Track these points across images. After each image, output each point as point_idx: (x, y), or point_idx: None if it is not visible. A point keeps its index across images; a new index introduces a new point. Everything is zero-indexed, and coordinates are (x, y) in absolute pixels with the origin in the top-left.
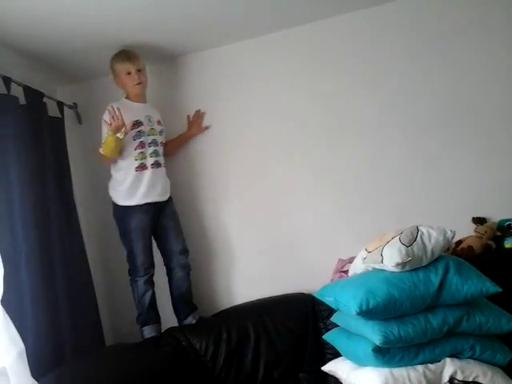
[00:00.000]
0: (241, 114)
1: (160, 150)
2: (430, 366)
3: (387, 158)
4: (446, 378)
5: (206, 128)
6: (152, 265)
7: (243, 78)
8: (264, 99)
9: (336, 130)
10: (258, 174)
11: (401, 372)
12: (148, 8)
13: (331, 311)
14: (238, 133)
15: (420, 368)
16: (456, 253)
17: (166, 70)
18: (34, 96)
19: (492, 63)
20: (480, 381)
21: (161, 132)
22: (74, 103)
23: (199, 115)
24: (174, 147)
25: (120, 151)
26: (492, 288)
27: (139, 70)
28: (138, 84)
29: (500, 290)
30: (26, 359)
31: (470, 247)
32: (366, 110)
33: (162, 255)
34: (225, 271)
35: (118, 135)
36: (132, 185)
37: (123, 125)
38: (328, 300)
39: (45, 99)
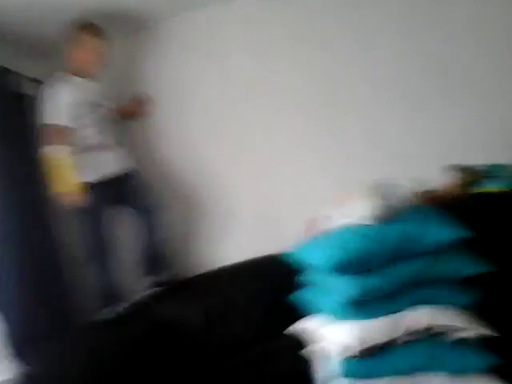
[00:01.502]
0: (218, 80)
1: (110, 125)
2: (404, 314)
3: (365, 111)
4: (419, 324)
5: (150, 112)
6: (109, 245)
7: (212, 48)
8: (244, 63)
9: (318, 89)
10: (236, 138)
11: (375, 323)
12: None
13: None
14: (216, 97)
15: (394, 317)
16: (433, 200)
17: (128, 42)
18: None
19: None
20: (452, 324)
21: (111, 108)
22: (36, 78)
23: (144, 100)
24: (122, 115)
25: None
26: (461, 233)
27: (102, 49)
28: (96, 62)
29: (469, 234)
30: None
31: (446, 194)
32: (357, 80)
33: (133, 211)
34: (202, 234)
35: None
36: (93, 162)
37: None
38: (301, 258)
39: (12, 75)
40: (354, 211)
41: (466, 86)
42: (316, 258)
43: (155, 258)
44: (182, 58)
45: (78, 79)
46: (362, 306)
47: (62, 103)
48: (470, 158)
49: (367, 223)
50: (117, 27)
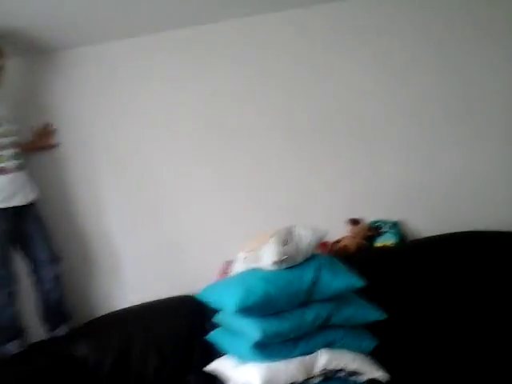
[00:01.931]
0: (114, 116)
1: (19, 150)
2: (306, 357)
3: (271, 159)
4: (318, 367)
5: (55, 146)
6: (13, 277)
7: (116, 79)
8: (140, 99)
9: (224, 132)
10: (139, 174)
11: (279, 365)
12: None
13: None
14: (112, 135)
15: (297, 360)
16: (333, 251)
17: (32, 64)
18: None
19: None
20: (348, 367)
21: (12, 132)
22: None
23: (48, 131)
24: (27, 150)
25: None
26: (358, 282)
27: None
28: None
29: (364, 284)
30: None
31: (345, 246)
32: (249, 111)
33: (29, 264)
34: (104, 275)
35: None
36: None
37: None
38: (209, 300)
39: None
40: (260, 256)
41: (368, 136)
42: (222, 300)
43: (57, 310)
44: (83, 87)
45: None
46: (266, 349)
47: None
48: (370, 212)
49: (272, 268)
50: (18, 48)
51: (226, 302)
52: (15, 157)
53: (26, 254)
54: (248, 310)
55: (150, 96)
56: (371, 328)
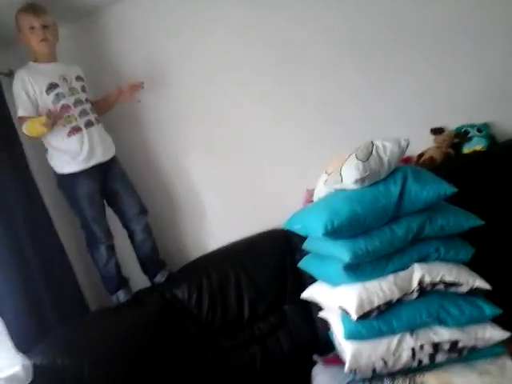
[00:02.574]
0: (183, 57)
1: (88, 107)
2: (400, 273)
3: (341, 79)
4: (415, 282)
5: (138, 101)
6: (109, 231)
7: (181, 25)
8: (208, 43)
9: (290, 60)
10: (215, 117)
11: (373, 284)
12: None
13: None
14: (186, 76)
15: (391, 277)
16: (418, 164)
17: (91, 25)
18: None
19: None
20: (446, 279)
21: (83, 88)
22: (11, 70)
23: (136, 86)
24: (102, 108)
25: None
26: (449, 189)
27: (45, 26)
28: (42, 41)
29: (456, 189)
30: (6, 333)
31: (431, 158)
32: (313, 36)
33: (120, 219)
34: (192, 220)
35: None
36: (70, 151)
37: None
38: (296, 228)
39: None
40: (341, 176)
41: (444, 43)
42: (309, 226)
43: (153, 259)
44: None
45: (36, 65)
46: (358, 269)
47: (24, 93)
48: (452, 118)
49: (355, 187)
50: (65, 13)
51: (313, 228)
52: (86, 112)
53: (114, 210)
54: (335, 232)
55: (217, 28)
56: (466, 238)
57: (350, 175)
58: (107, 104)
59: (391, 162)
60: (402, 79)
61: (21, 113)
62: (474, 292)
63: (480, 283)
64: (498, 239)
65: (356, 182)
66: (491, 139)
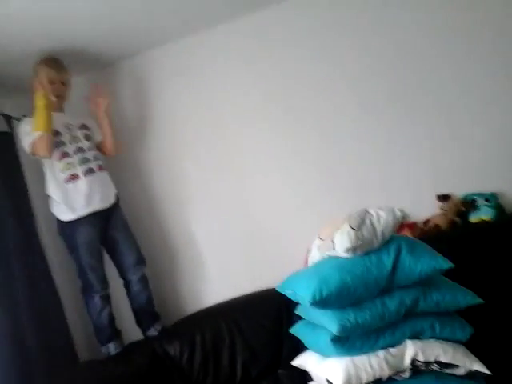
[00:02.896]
0: (192, 109)
1: (91, 154)
2: (391, 349)
3: (347, 139)
4: (407, 360)
5: (103, 101)
6: (105, 280)
7: (190, 73)
8: (218, 91)
9: (297, 115)
10: (218, 168)
11: (362, 359)
12: (77, 14)
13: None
14: (192, 127)
15: (381, 353)
16: (423, 232)
17: (106, 76)
18: None
19: (442, 38)
20: (441, 360)
21: (87, 137)
22: (24, 115)
23: (93, 90)
24: (107, 141)
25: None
26: (445, 264)
27: (63, 83)
28: (57, 97)
29: (452, 265)
30: None
31: (436, 225)
32: (323, 92)
33: (117, 268)
34: (190, 273)
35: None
36: (68, 198)
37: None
38: (288, 293)
39: None
40: (333, 243)
41: (457, 108)
42: (298, 293)
43: (147, 311)
44: (156, 89)
45: None
46: (347, 342)
47: (28, 131)
48: (460, 185)
49: (346, 255)
50: (85, 64)
51: (302, 295)
52: (88, 160)
53: (112, 258)
54: (323, 302)
55: (226, 83)
56: (466, 315)
57: (341, 243)
58: (105, 133)
59: (385, 232)
60: (410, 142)
61: (28, 140)
62: (473, 375)
63: (478, 367)
64: (504, 316)
65: (347, 250)
66: (499, 209)
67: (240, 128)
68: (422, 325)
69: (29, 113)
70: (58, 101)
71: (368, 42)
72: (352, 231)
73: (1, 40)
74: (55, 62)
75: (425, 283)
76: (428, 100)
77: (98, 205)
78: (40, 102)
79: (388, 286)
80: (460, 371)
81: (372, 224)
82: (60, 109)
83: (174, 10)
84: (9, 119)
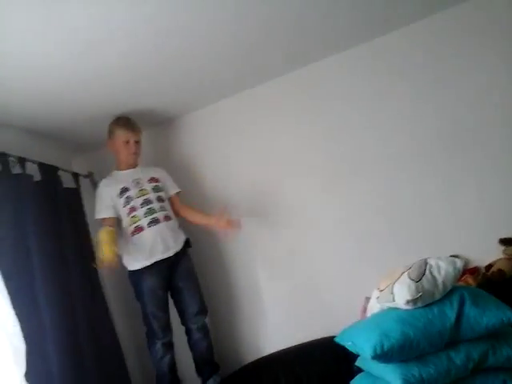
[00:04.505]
0: (247, 162)
1: (157, 205)
2: None
3: (404, 184)
4: None
5: (237, 227)
6: (169, 327)
7: (242, 131)
8: (268, 147)
9: (351, 164)
10: (275, 221)
11: None
12: (143, 76)
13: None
14: (245, 181)
15: None
16: (486, 277)
17: (168, 130)
18: (48, 171)
19: (489, 84)
20: None
21: (155, 188)
22: (90, 172)
23: (233, 223)
24: (193, 220)
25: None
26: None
27: (137, 142)
28: (133, 154)
29: None
30: None
31: (500, 270)
32: (375, 144)
33: (179, 315)
34: (249, 322)
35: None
36: (135, 249)
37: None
38: (347, 344)
39: (60, 172)
40: (393, 295)
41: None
42: (358, 345)
43: (206, 360)
44: (205, 146)
45: (117, 172)
46: None
47: (102, 197)
48: None
49: (407, 307)
50: (147, 121)
51: (362, 348)
52: (154, 211)
53: (175, 305)
54: (385, 355)
55: (274, 139)
56: None
57: (401, 295)
58: (199, 220)
59: (446, 283)
60: (470, 186)
61: (96, 216)
62: None
63: None
64: None
65: (408, 302)
66: None
67: (295, 182)
68: (494, 381)
69: (94, 168)
70: (134, 158)
71: (422, 89)
72: (412, 282)
73: (68, 102)
74: (129, 123)
75: (493, 336)
76: (481, 143)
77: (161, 254)
78: (102, 236)
79: (453, 339)
80: None
81: (432, 275)
82: (132, 165)
83: (228, 67)
84: (76, 176)
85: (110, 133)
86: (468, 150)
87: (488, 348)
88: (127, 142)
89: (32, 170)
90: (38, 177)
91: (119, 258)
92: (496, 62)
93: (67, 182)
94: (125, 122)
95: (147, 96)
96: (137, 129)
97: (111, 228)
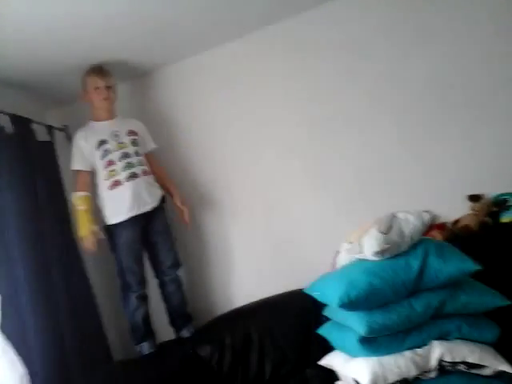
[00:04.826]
0: (228, 117)
1: (136, 160)
2: (418, 350)
3: (378, 144)
4: (434, 361)
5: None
6: (143, 280)
7: (225, 82)
8: (250, 100)
9: (329, 123)
10: (251, 174)
11: (389, 360)
12: (120, 25)
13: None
14: (225, 136)
15: (408, 354)
16: (453, 232)
17: (146, 83)
18: (21, 123)
19: (473, 39)
20: (468, 360)
21: (134, 142)
22: (65, 125)
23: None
24: (162, 184)
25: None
26: (471, 266)
27: (108, 87)
28: (105, 99)
29: (480, 267)
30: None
31: (466, 226)
32: (355, 100)
33: (152, 268)
34: (221, 275)
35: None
36: (112, 203)
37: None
38: (315, 294)
39: (33, 125)
40: (361, 247)
41: (485, 110)
42: (326, 295)
43: (180, 312)
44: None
45: (94, 123)
46: (374, 343)
47: (78, 149)
48: (492, 186)
49: (374, 259)
50: (124, 74)
51: (330, 297)
52: (132, 165)
53: (150, 259)
54: (352, 304)
55: (254, 94)
56: (494, 316)
57: (369, 247)
58: (166, 189)
59: (413, 236)
60: (441, 143)
61: (73, 166)
62: (500, 375)
63: (505, 367)
64: None
65: (375, 254)
66: None
67: (274, 134)
68: (449, 326)
69: (69, 121)
70: (106, 104)
71: (391, 55)
72: (380, 235)
73: (44, 53)
74: (98, 68)
75: (452, 285)
76: (459, 101)
77: (139, 209)
78: (78, 205)
79: (415, 288)
80: (487, 372)
81: (400, 228)
82: (112, 114)
83: (213, 19)
84: (50, 129)
85: (83, 83)
86: (442, 106)
87: (447, 296)
88: (97, 88)
89: (4, 121)
90: (10, 129)
91: (98, 233)
92: (480, 13)
93: (41, 135)
94: (94, 68)
95: (123, 47)
96: (106, 74)
97: (86, 194)
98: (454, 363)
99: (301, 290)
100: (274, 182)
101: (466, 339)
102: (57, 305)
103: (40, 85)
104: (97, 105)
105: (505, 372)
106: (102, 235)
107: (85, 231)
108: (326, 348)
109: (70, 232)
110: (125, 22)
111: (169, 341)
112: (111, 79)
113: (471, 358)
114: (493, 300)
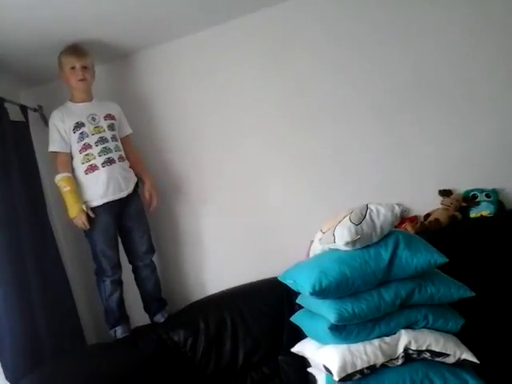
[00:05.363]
0: (206, 104)
1: (113, 145)
2: (386, 338)
3: (357, 137)
4: (401, 348)
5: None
6: (118, 265)
7: (205, 68)
8: (229, 87)
9: (306, 111)
10: (226, 162)
11: (358, 347)
12: (99, 4)
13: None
14: (204, 120)
15: (376, 341)
16: (424, 226)
17: (125, 66)
18: None
19: (443, 36)
20: (432, 348)
21: (110, 127)
22: (39, 105)
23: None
24: (134, 167)
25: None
26: (440, 259)
27: (84, 67)
28: (81, 80)
29: (447, 260)
30: None
31: (436, 220)
32: (335, 90)
33: (126, 254)
34: (195, 262)
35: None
36: (87, 188)
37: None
38: (289, 282)
39: (6, 104)
40: (334, 236)
41: (462, 105)
42: (299, 283)
43: (154, 298)
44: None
45: (71, 104)
46: (344, 331)
47: (56, 130)
48: (462, 181)
49: (346, 248)
50: (101, 55)
51: (302, 285)
52: (109, 151)
53: (123, 244)
54: (323, 292)
55: (235, 80)
56: (459, 307)
57: (341, 237)
58: (138, 173)
59: (384, 227)
60: (413, 139)
61: (50, 148)
62: (462, 363)
63: (467, 356)
64: (498, 308)
65: (347, 244)
66: (499, 205)
67: (252, 122)
68: (416, 315)
69: (43, 102)
70: (82, 85)
71: (372, 44)
72: (352, 225)
73: (18, 32)
74: (74, 48)
75: (420, 276)
76: (430, 98)
77: (115, 195)
78: (63, 187)
79: (385, 278)
80: (450, 360)
81: (372, 219)
82: (89, 96)
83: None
84: (25, 109)
85: (59, 63)
86: (414, 104)
87: (415, 286)
88: (73, 68)
89: None
90: None
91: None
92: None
93: (15, 115)
94: (69, 48)
95: (101, 26)
96: (83, 53)
97: (68, 174)
98: (420, 351)
99: (274, 278)
100: (250, 170)
101: (432, 328)
102: (29, 288)
103: (13, 64)
104: (73, 85)
105: (466, 360)
106: (92, 213)
107: (74, 211)
108: (298, 336)
109: (45, 215)
110: (102, 2)
111: (143, 326)
112: (88, 59)
113: (435, 347)
114: (458, 291)
